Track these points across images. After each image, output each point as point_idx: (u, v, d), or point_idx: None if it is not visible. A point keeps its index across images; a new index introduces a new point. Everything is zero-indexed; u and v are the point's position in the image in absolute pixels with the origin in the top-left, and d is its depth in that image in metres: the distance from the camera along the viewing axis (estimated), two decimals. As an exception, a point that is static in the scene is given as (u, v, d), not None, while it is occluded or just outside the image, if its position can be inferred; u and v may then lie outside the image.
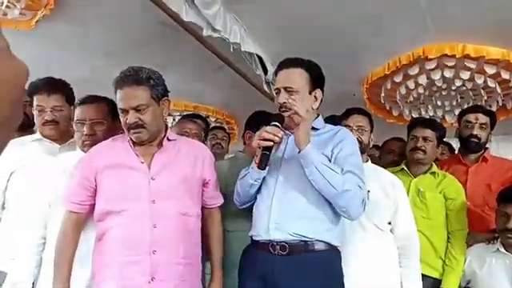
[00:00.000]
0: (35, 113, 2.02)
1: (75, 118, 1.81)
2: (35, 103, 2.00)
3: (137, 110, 1.56)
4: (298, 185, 1.61)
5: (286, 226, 1.58)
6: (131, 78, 1.56)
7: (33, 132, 2.45)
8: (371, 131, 2.07)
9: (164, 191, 1.60)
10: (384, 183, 2.01)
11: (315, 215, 1.61)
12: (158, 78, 1.63)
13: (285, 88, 1.67)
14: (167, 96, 1.69)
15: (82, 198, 1.64)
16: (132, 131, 1.59)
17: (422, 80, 3.99)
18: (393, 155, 2.83)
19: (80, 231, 1.66)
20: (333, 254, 1.65)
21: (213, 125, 4.23)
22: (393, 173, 2.22)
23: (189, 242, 1.64)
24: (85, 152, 1.77)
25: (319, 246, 1.60)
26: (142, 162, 1.62)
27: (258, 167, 1.59)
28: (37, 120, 2.02)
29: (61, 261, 1.59)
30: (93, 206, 1.65)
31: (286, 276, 1.56)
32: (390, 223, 1.99)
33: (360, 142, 1.97)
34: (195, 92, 4.89)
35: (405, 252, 1.99)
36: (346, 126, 2.01)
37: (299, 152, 1.58)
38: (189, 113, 4.27)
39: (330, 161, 1.63)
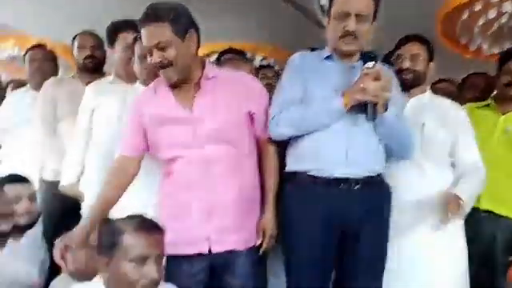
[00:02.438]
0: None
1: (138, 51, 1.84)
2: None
3: (159, 48, 1.51)
4: (360, 118, 1.61)
5: (361, 161, 1.60)
6: (150, 15, 1.51)
7: (102, 74, 2.55)
8: (430, 60, 1.92)
9: (210, 135, 1.59)
10: (441, 113, 1.89)
11: (377, 149, 1.65)
12: (181, 12, 1.54)
13: (356, 14, 1.56)
14: (195, 29, 1.58)
15: (134, 141, 1.68)
16: (161, 71, 1.56)
17: (507, 8, 3.62)
18: (475, 91, 2.71)
19: (130, 175, 1.67)
20: (385, 186, 1.71)
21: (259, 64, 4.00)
22: (477, 108, 2.17)
23: (243, 180, 1.64)
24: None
25: (376, 179, 1.66)
26: (184, 108, 1.60)
27: (368, 119, 1.59)
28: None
29: (104, 194, 1.64)
30: (145, 151, 1.70)
31: (363, 209, 1.59)
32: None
33: (414, 71, 1.89)
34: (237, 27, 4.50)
35: (464, 177, 1.82)
36: (398, 55, 1.93)
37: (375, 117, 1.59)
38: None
39: None
